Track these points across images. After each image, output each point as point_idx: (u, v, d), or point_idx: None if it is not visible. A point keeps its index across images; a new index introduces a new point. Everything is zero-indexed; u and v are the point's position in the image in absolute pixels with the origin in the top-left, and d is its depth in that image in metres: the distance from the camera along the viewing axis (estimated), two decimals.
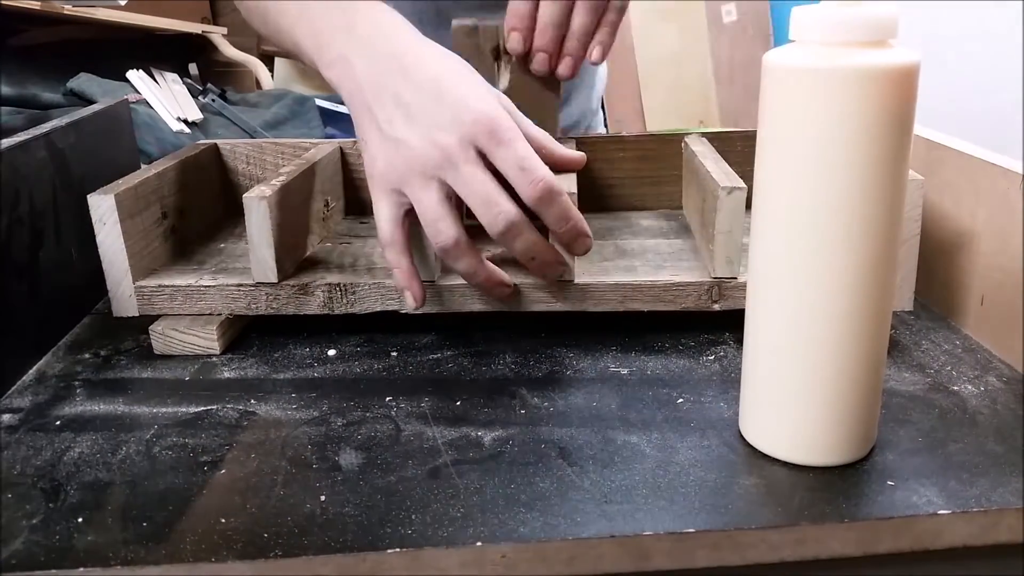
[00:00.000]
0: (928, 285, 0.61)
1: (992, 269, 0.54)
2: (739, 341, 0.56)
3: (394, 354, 0.56)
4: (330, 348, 0.57)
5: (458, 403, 0.50)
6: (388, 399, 0.50)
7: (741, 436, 0.45)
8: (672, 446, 0.45)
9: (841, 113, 0.38)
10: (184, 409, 0.50)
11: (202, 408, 0.50)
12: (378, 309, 0.57)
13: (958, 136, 0.60)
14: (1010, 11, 1.65)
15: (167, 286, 0.57)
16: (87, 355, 0.57)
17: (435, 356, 0.56)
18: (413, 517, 0.40)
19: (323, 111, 1.73)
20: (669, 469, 0.43)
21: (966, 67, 1.72)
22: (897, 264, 0.42)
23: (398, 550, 0.38)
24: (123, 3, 1.66)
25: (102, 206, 0.55)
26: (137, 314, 0.57)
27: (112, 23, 1.71)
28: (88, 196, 0.55)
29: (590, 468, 0.43)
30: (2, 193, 0.52)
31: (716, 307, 0.56)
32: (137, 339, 0.59)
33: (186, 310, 0.57)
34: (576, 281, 0.56)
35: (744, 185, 0.53)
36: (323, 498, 0.41)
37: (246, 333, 0.59)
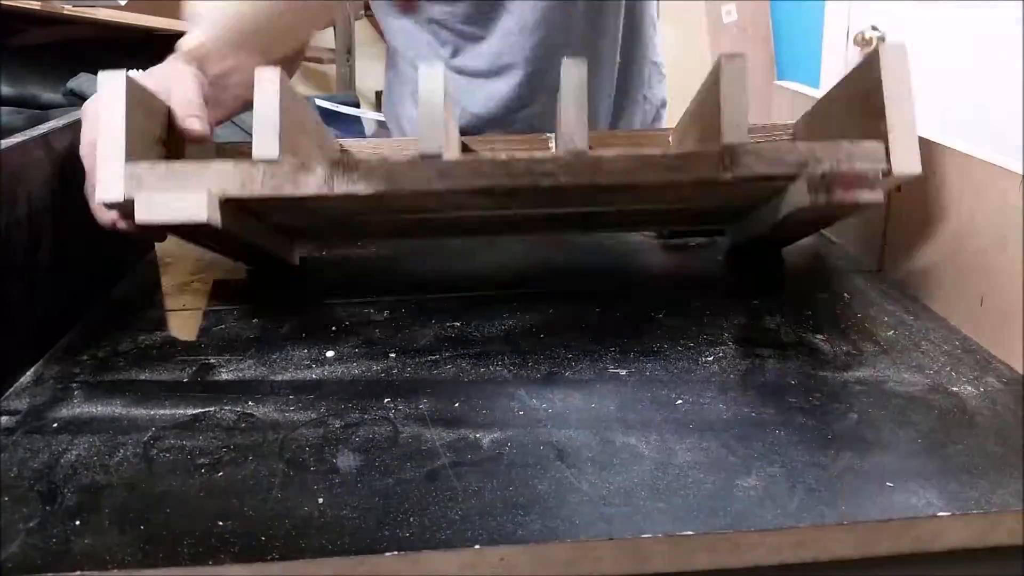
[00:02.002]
0: (928, 285, 0.61)
1: (992, 269, 0.54)
2: (738, 342, 0.56)
3: (392, 355, 0.56)
4: (328, 349, 0.57)
5: (456, 405, 0.50)
6: (386, 401, 0.50)
7: (740, 437, 0.45)
8: (671, 448, 0.45)
9: None
10: (182, 411, 0.50)
11: (200, 410, 0.50)
12: (382, 189, 0.52)
13: (958, 136, 0.60)
14: (1010, 11, 1.65)
15: (160, 164, 0.53)
16: (85, 357, 0.57)
17: (433, 357, 0.55)
18: (411, 520, 0.39)
19: (323, 111, 1.73)
20: (668, 471, 0.43)
21: (966, 67, 1.71)
22: None
23: (396, 553, 0.37)
24: (123, 3, 1.66)
25: (115, 82, 0.53)
26: (122, 197, 0.53)
27: (112, 23, 1.71)
28: (100, 72, 0.54)
29: (588, 470, 0.43)
30: (0, 194, 0.52)
31: (728, 175, 0.52)
32: (135, 341, 0.59)
33: (177, 189, 0.52)
34: (587, 152, 0.53)
35: (744, 53, 0.53)
36: (321, 501, 0.41)
37: (244, 335, 0.59)
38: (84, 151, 0.60)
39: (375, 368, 0.54)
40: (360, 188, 0.52)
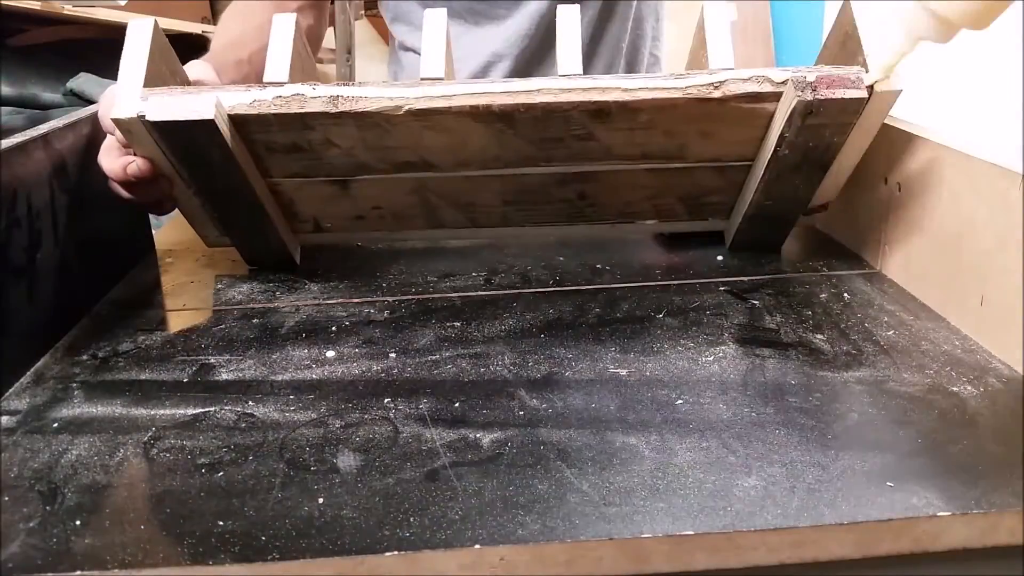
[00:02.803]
0: (927, 285, 0.61)
1: (992, 269, 0.54)
2: (738, 342, 0.56)
3: (392, 355, 0.56)
4: (328, 349, 0.57)
5: (456, 405, 0.50)
6: (386, 401, 0.50)
7: (740, 437, 0.45)
8: (671, 448, 0.45)
9: None
10: (182, 411, 0.50)
11: (200, 410, 0.50)
12: (385, 107, 0.57)
13: (958, 136, 0.60)
14: (1010, 11, 1.65)
15: (175, 87, 0.58)
16: (85, 357, 0.57)
17: (433, 357, 0.55)
18: (411, 519, 0.39)
19: None
20: (668, 471, 0.43)
21: (966, 67, 1.72)
22: None
23: (396, 553, 0.37)
24: (123, 3, 1.66)
25: (144, 27, 0.59)
26: (135, 114, 0.57)
27: (112, 23, 1.71)
28: (130, 21, 0.59)
29: (589, 470, 0.43)
30: (0, 194, 0.52)
31: (718, 93, 0.58)
32: (135, 341, 0.59)
33: (186, 103, 0.57)
34: (582, 75, 0.60)
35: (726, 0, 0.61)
36: (321, 500, 0.41)
37: (244, 335, 0.59)
38: (103, 111, 0.62)
39: (375, 368, 0.54)
40: (363, 106, 0.57)
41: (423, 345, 0.57)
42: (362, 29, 2.40)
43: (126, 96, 0.57)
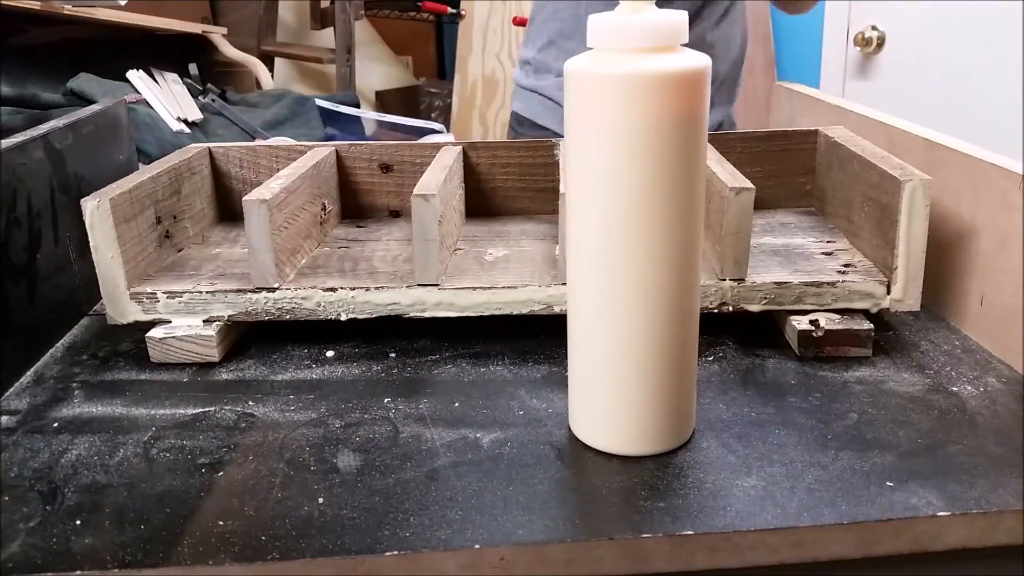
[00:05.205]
0: (928, 285, 0.61)
1: (992, 269, 0.54)
2: (738, 343, 0.56)
3: (392, 355, 0.56)
4: (328, 349, 0.57)
5: (456, 405, 0.50)
6: (386, 401, 0.50)
7: (740, 437, 0.45)
8: (670, 447, 0.45)
9: (631, 116, 0.39)
10: (182, 411, 0.50)
11: (200, 410, 0.50)
12: (383, 313, 0.56)
13: (958, 136, 0.60)
14: (1010, 11, 1.65)
15: (166, 292, 0.56)
16: (85, 357, 0.57)
17: (433, 358, 0.55)
18: (411, 519, 0.39)
19: (323, 111, 1.72)
20: (667, 471, 0.43)
21: (966, 67, 1.72)
22: (699, 262, 0.42)
23: (396, 552, 0.37)
24: (123, 3, 1.65)
25: (96, 210, 0.54)
26: (133, 320, 0.56)
27: (112, 23, 1.71)
28: (81, 200, 0.54)
29: (589, 469, 0.43)
30: (0, 194, 0.52)
31: (726, 308, 0.55)
32: (135, 341, 0.59)
33: (183, 314, 0.56)
34: None
35: (752, 186, 0.53)
36: (321, 500, 0.41)
37: (244, 341, 0.59)
38: None
39: (375, 368, 0.54)
40: (359, 313, 0.56)
41: (423, 345, 0.57)
42: (362, 29, 2.40)
43: (118, 300, 0.55)
